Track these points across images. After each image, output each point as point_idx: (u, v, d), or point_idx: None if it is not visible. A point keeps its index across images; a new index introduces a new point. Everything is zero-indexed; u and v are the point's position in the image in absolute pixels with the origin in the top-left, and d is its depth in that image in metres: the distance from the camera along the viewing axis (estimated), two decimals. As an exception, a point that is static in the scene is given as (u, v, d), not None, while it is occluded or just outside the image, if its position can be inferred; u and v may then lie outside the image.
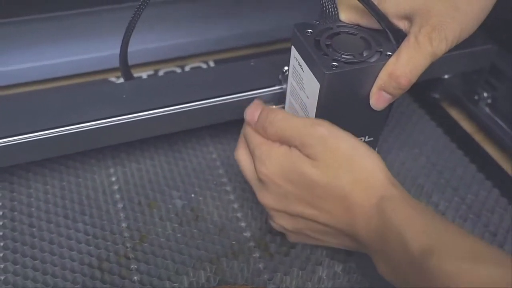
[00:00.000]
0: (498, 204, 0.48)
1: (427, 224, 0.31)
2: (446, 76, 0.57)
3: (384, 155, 0.53)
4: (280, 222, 0.38)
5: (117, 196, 0.48)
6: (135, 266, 0.42)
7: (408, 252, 0.30)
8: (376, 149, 0.45)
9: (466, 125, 0.58)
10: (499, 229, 0.46)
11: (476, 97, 0.57)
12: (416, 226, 0.31)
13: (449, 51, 0.35)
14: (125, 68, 0.46)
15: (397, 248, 0.31)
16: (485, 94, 0.56)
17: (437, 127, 0.57)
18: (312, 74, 0.37)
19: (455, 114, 0.59)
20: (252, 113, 0.38)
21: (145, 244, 0.44)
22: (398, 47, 0.35)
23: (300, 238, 0.39)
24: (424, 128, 0.57)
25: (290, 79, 0.42)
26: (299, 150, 0.35)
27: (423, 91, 0.60)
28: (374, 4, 0.35)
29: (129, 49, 0.45)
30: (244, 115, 0.39)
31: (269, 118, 0.37)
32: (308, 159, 0.34)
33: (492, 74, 0.55)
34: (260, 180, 0.37)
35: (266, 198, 0.37)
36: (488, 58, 0.54)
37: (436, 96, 0.59)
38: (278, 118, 0.36)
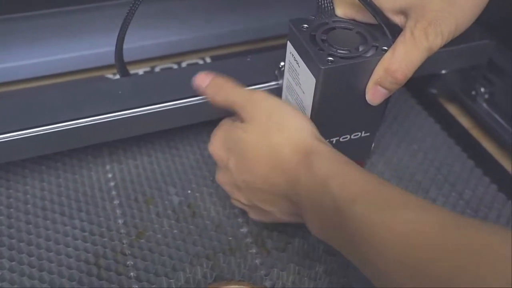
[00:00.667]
0: (496, 199, 0.48)
1: (351, 175, 0.32)
2: (443, 72, 0.57)
3: (382, 152, 0.53)
4: (235, 196, 0.40)
5: (114, 192, 0.48)
6: (132, 263, 0.42)
7: (334, 203, 0.31)
8: (373, 144, 0.45)
9: (464, 121, 0.58)
10: (497, 224, 0.46)
11: (473, 93, 0.57)
12: (341, 177, 0.32)
13: (447, 46, 0.35)
14: (120, 64, 0.46)
15: (324, 200, 0.32)
16: (483, 90, 0.56)
17: (435, 123, 0.57)
18: (308, 69, 0.37)
19: (453, 110, 0.59)
20: (202, 79, 0.42)
21: (142, 241, 0.44)
22: (394, 42, 0.35)
23: (258, 214, 0.40)
24: (422, 124, 0.57)
25: (286, 74, 0.42)
26: (239, 114, 0.38)
27: (421, 87, 0.60)
28: (369, -2, 0.35)
29: (126, 46, 0.45)
30: (192, 82, 0.42)
31: (219, 84, 0.41)
32: (242, 125, 0.37)
33: (490, 70, 0.55)
34: (215, 161, 0.40)
35: (219, 176, 0.41)
36: (486, 53, 0.53)
37: (434, 91, 0.59)
38: (228, 85, 0.40)
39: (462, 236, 0.27)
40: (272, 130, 0.36)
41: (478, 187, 0.50)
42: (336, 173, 0.32)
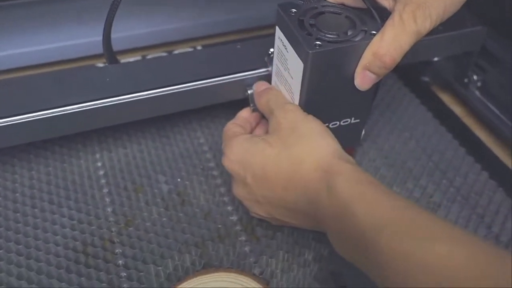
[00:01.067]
0: (487, 186, 0.48)
1: (377, 199, 0.31)
2: (436, 59, 0.57)
3: (373, 139, 0.53)
4: (254, 210, 0.40)
5: (103, 181, 0.48)
6: (120, 250, 0.42)
7: (359, 228, 0.30)
8: (363, 131, 0.44)
9: (457, 109, 0.58)
10: (487, 211, 0.46)
11: (466, 80, 0.56)
12: (366, 202, 0.30)
13: (439, 32, 0.35)
14: (109, 51, 0.45)
15: (348, 224, 0.31)
16: (475, 77, 0.56)
17: (427, 111, 0.56)
18: (296, 54, 0.36)
19: (445, 98, 0.59)
20: (260, 85, 0.44)
21: (131, 229, 0.44)
22: (383, 26, 0.35)
23: (280, 223, 0.40)
24: (415, 112, 0.56)
25: (275, 60, 0.41)
26: (269, 123, 0.39)
27: (413, 75, 0.59)
28: (357, -19, 0.35)
29: (116, 35, 0.45)
30: (254, 86, 0.44)
31: (266, 89, 0.43)
32: (266, 136, 0.38)
33: (483, 57, 0.55)
34: (229, 173, 0.39)
35: (236, 190, 0.40)
36: (479, 40, 0.53)
37: (427, 79, 0.59)
38: (272, 93, 0.41)
39: (494, 271, 0.26)
40: (294, 143, 0.35)
41: (469, 174, 0.49)
42: (360, 196, 0.31)
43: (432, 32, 0.35)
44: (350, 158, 0.35)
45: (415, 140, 0.53)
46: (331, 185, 0.32)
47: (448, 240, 0.28)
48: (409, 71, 0.58)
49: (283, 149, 0.35)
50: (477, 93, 0.56)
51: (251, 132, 0.44)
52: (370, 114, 0.54)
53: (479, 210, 0.46)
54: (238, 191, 0.40)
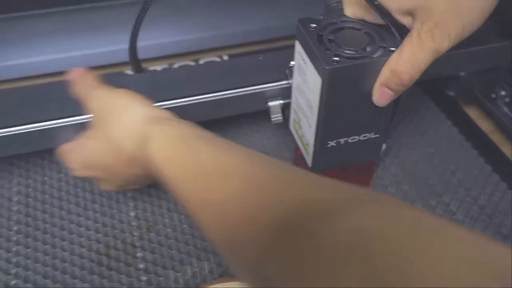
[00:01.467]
0: (512, 206, 0.47)
1: (182, 161, 0.34)
2: (462, 74, 0.56)
3: (395, 153, 0.53)
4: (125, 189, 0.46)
5: (128, 186, 0.49)
6: (141, 255, 0.44)
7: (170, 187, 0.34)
8: (384, 145, 0.44)
9: (483, 125, 0.57)
10: None
11: (493, 96, 0.55)
12: (173, 164, 0.34)
13: (465, 47, 0.35)
14: (134, 60, 0.47)
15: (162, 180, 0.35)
16: (503, 93, 0.55)
17: (453, 126, 0.56)
18: (314, 69, 0.37)
19: (471, 113, 0.58)
20: (74, 73, 0.43)
21: (152, 234, 0.45)
22: (401, 42, 0.35)
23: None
24: (439, 126, 0.56)
25: (295, 74, 0.42)
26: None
27: (439, 89, 0.59)
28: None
29: (142, 43, 0.46)
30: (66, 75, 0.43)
31: (85, 78, 0.42)
32: (89, 132, 0.40)
33: (510, 72, 0.54)
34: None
35: (102, 186, 0.43)
36: (506, 55, 0.52)
37: (452, 94, 0.58)
38: (89, 81, 0.42)
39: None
40: (109, 126, 0.38)
41: (495, 192, 0.49)
42: (168, 160, 0.34)
43: (458, 46, 0.35)
44: (161, 115, 0.38)
45: (439, 155, 0.52)
46: (147, 153, 0.36)
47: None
48: (434, 85, 0.58)
49: (104, 138, 0.39)
50: (505, 109, 0.55)
51: None
52: (393, 129, 0.53)
53: (503, 230, 0.45)
54: (103, 186, 0.43)
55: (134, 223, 0.46)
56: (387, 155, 0.52)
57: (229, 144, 0.34)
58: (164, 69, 0.59)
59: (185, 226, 0.46)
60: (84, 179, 0.50)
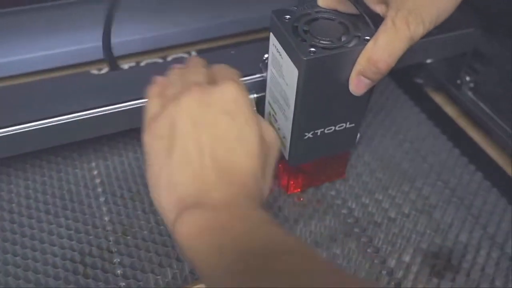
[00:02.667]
0: (481, 187, 0.49)
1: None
2: (429, 61, 0.57)
3: (368, 142, 0.53)
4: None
5: (99, 189, 0.48)
6: (118, 260, 0.42)
7: None
8: (358, 135, 0.45)
9: (450, 110, 0.58)
10: (482, 212, 0.46)
11: (459, 82, 0.57)
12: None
13: (432, 35, 0.35)
14: (110, 58, 0.45)
15: None
16: (468, 78, 0.56)
17: (421, 113, 0.57)
18: (290, 61, 0.36)
19: (438, 99, 0.59)
20: None
21: (128, 237, 0.44)
22: (376, 31, 0.35)
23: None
24: (408, 113, 0.57)
25: (270, 66, 0.41)
26: None
27: (406, 77, 0.60)
28: (350, -12, 0.35)
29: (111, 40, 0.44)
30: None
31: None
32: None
33: (475, 58, 0.55)
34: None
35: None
36: (471, 42, 0.53)
37: (420, 81, 0.59)
38: None
39: None
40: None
41: (464, 175, 0.50)
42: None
43: (425, 34, 0.35)
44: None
45: (409, 142, 0.53)
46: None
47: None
48: (402, 73, 0.59)
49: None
50: (470, 94, 0.57)
51: None
52: (364, 117, 0.54)
53: (474, 211, 0.47)
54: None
55: (108, 228, 0.45)
56: (360, 143, 0.53)
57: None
58: (131, 67, 0.58)
59: (162, 227, 0.45)
60: (53, 185, 0.48)
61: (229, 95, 0.31)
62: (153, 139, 0.31)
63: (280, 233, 0.28)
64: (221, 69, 0.36)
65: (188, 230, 0.28)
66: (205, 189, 0.29)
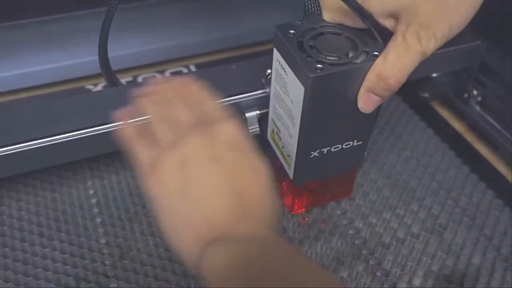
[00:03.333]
0: (493, 206, 0.47)
1: None
2: (435, 75, 0.56)
3: (373, 158, 0.51)
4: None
5: (96, 210, 0.46)
6: (115, 285, 0.40)
7: None
8: (365, 153, 0.43)
9: (457, 125, 0.56)
10: (495, 232, 0.45)
11: (466, 96, 0.55)
12: None
13: (438, 49, 0.33)
14: (108, 73, 0.43)
15: None
16: (475, 92, 0.55)
17: (428, 128, 0.55)
18: (296, 78, 0.35)
19: (445, 113, 0.58)
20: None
21: (126, 261, 0.42)
22: (385, 46, 0.34)
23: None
24: (415, 129, 0.55)
25: (273, 83, 0.40)
26: None
27: (412, 91, 0.58)
28: (357, 2, 0.33)
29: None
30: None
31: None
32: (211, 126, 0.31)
33: (482, 72, 0.54)
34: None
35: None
36: (478, 55, 0.52)
37: (426, 95, 0.58)
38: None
39: None
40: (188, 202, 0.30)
41: (474, 193, 0.48)
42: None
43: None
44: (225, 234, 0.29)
45: (416, 158, 0.52)
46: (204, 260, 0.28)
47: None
48: (407, 87, 0.57)
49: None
50: (478, 108, 0.55)
51: None
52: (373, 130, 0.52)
53: (487, 231, 0.45)
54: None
55: (105, 251, 0.43)
56: (366, 160, 0.51)
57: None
58: (133, 83, 0.56)
59: (161, 250, 0.43)
60: (47, 206, 0.46)
61: (230, 132, 0.31)
62: (160, 183, 0.30)
63: (311, 265, 0.28)
64: (198, 99, 0.34)
65: (218, 264, 0.27)
66: (228, 225, 0.29)
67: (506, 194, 0.48)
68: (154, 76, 0.60)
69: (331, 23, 0.37)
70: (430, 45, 0.32)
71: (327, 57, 0.34)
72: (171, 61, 0.62)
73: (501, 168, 0.51)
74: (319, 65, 0.33)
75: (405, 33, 0.32)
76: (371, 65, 0.34)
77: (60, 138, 0.40)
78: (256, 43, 0.64)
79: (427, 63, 0.50)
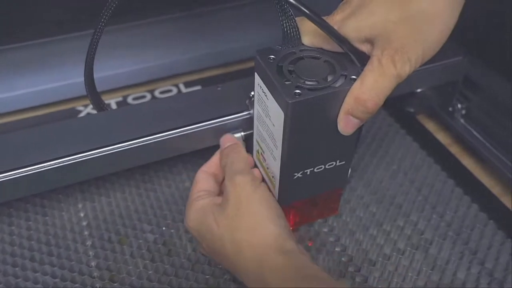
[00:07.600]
0: (478, 219, 0.47)
1: None
2: (419, 90, 0.56)
3: (360, 174, 0.52)
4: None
5: (86, 233, 0.46)
6: (106, 308, 0.41)
7: None
8: (349, 171, 0.43)
9: (442, 138, 0.57)
10: (480, 246, 0.45)
11: (450, 109, 0.56)
12: None
13: (415, 70, 0.34)
14: (94, 97, 0.44)
15: None
16: (460, 106, 0.56)
17: (414, 142, 0.56)
18: (275, 102, 0.35)
19: (431, 127, 0.59)
20: (224, 141, 0.44)
21: (115, 284, 0.42)
22: (362, 69, 0.34)
23: None
24: (401, 143, 0.56)
25: (256, 106, 0.40)
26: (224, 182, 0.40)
27: (398, 106, 0.59)
28: (334, 29, 0.34)
29: (96, 75, 0.43)
30: (220, 140, 0.44)
31: (226, 151, 0.42)
32: (217, 211, 0.38)
33: (466, 86, 0.55)
34: None
35: (200, 248, 0.42)
36: (460, 69, 0.53)
37: (411, 110, 0.59)
38: (229, 158, 0.41)
39: None
40: (237, 227, 0.37)
41: (460, 207, 0.49)
42: None
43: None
44: (290, 246, 0.36)
45: (403, 173, 0.52)
46: (264, 279, 0.34)
47: None
48: (393, 102, 0.58)
49: (227, 232, 0.37)
50: (462, 121, 0.56)
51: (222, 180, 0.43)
52: (355, 154, 0.53)
53: (472, 246, 0.45)
54: (200, 248, 0.42)
55: (95, 274, 0.43)
56: (352, 176, 0.52)
57: None
58: (121, 108, 0.56)
59: (150, 272, 0.43)
60: (38, 230, 0.46)
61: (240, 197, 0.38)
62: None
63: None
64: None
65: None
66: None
67: (490, 207, 0.48)
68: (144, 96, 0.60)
69: (310, 47, 0.38)
70: (405, 68, 0.33)
71: (306, 82, 0.35)
72: (160, 80, 0.63)
73: (486, 180, 0.52)
74: (297, 91, 0.34)
75: (381, 57, 0.33)
76: (349, 89, 0.34)
77: (48, 165, 0.41)
78: (244, 60, 0.65)
79: (411, 79, 0.51)
